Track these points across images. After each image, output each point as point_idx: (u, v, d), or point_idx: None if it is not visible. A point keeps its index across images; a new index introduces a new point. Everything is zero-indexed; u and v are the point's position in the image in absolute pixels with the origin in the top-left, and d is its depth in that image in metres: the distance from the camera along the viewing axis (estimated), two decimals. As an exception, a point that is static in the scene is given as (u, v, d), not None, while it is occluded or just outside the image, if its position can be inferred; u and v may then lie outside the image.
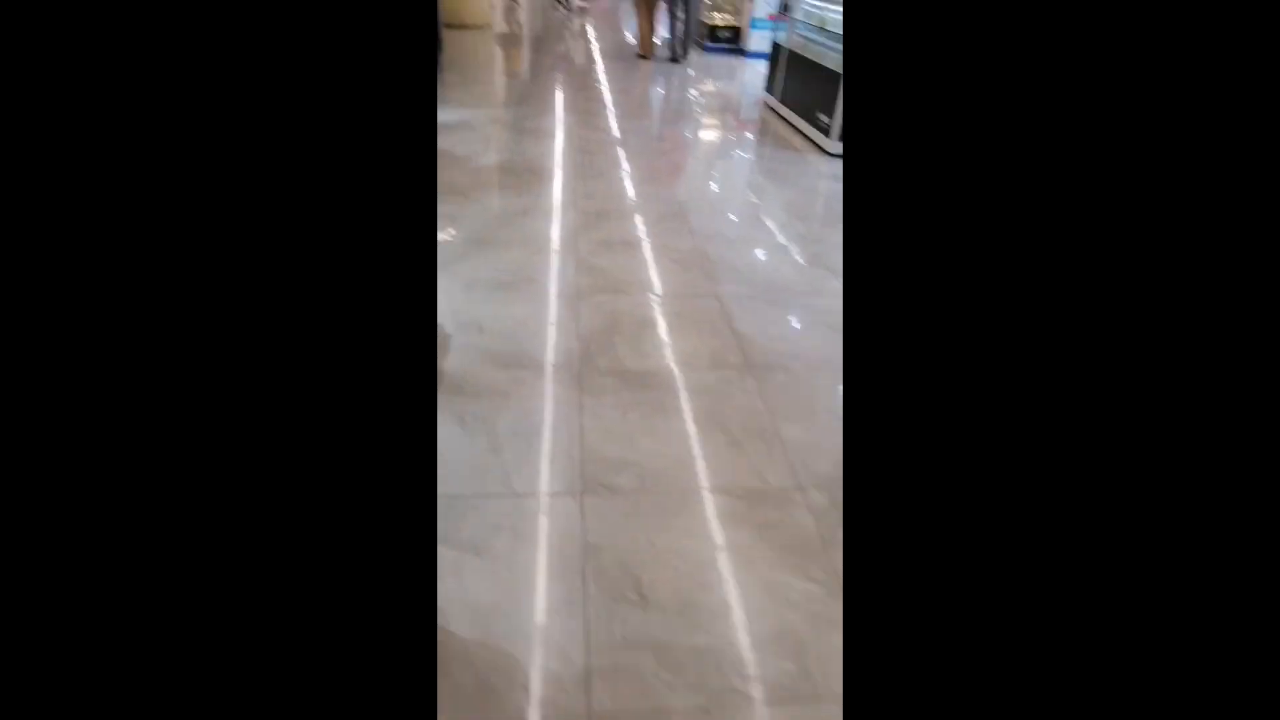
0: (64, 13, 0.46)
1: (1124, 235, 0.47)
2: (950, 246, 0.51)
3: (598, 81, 6.54)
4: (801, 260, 2.94)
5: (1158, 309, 0.47)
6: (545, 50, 8.24)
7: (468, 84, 6.11)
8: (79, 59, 0.46)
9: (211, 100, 0.49)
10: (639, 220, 3.26)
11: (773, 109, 5.38)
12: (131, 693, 0.46)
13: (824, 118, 4.38)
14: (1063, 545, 0.48)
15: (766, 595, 1.39)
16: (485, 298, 2.46)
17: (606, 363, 2.12)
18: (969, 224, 0.51)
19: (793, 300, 2.59)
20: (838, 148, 4.26)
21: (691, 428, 1.86)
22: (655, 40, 7.74)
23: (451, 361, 2.09)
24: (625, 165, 4.10)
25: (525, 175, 3.78)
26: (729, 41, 8.19)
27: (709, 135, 5.05)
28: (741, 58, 7.87)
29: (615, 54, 8.20)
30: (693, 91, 6.41)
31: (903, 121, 0.53)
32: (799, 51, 4.85)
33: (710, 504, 1.62)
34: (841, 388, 2.05)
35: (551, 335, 2.25)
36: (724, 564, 1.46)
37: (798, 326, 2.43)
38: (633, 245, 2.98)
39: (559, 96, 5.80)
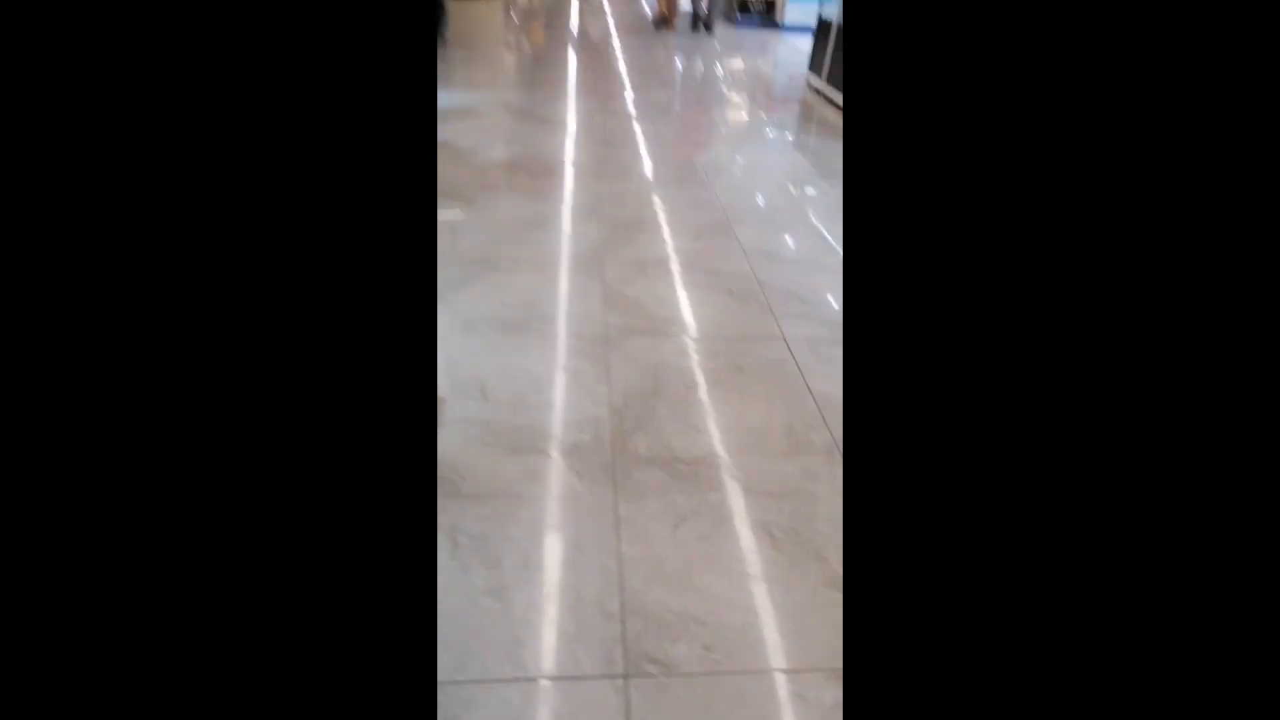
0: (58, 3, 0.45)
1: (1125, 235, 0.47)
2: (953, 243, 0.50)
3: (615, 59, 5.95)
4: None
5: (1166, 283, 0.46)
6: (558, 24, 7.64)
7: (474, 62, 5.56)
8: (67, 40, 0.45)
9: (185, 86, 0.45)
10: (675, 233, 2.71)
11: (819, 91, 4.78)
12: (131, 693, 0.45)
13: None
14: (1064, 535, 0.47)
15: None
16: (489, 345, 1.94)
17: (647, 445, 1.61)
18: (969, 223, 0.50)
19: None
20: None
21: (770, 553, 1.35)
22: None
23: (445, 441, 1.59)
24: (653, 161, 3.55)
25: (538, 173, 3.23)
26: (762, 14, 7.54)
27: (746, 123, 4.47)
28: (776, 30, 7.22)
29: (633, 27, 7.58)
30: (720, 69, 5.80)
31: (904, 121, 0.52)
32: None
33: (800, 692, 1.11)
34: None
35: (574, 402, 1.74)
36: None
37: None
38: (670, 267, 2.45)
39: (574, 76, 5.23)
